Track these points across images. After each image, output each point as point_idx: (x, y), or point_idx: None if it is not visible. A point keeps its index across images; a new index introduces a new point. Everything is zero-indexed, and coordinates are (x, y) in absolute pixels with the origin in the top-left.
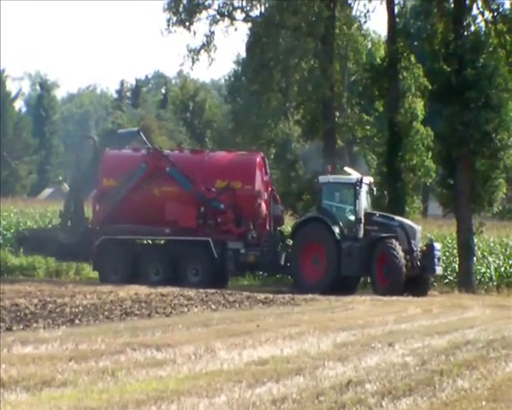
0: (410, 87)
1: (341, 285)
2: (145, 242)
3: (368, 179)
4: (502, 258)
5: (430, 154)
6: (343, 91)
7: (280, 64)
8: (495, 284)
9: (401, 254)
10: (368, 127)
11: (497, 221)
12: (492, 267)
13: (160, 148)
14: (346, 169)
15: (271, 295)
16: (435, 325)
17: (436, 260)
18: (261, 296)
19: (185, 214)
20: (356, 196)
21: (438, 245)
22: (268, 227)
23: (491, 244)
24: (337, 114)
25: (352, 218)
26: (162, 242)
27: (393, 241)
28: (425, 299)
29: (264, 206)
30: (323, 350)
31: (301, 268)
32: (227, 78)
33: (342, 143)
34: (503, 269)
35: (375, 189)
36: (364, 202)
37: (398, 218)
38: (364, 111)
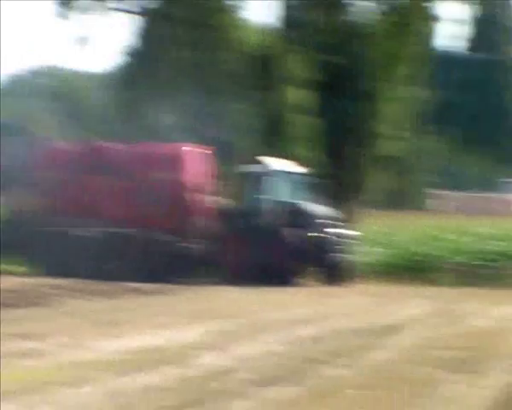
0: (293, 78)
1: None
2: (80, 234)
3: (288, 168)
4: (383, 248)
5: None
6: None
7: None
8: (375, 273)
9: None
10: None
11: (380, 211)
12: (373, 257)
13: (96, 140)
14: (260, 158)
15: (142, 285)
16: (304, 313)
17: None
18: (132, 286)
19: (119, 207)
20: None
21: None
22: (204, 219)
23: (374, 234)
24: None
25: (262, 207)
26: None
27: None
28: (298, 289)
29: (197, 198)
30: (194, 340)
31: (224, 259)
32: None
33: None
34: (383, 258)
35: (303, 177)
36: (278, 191)
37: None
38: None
